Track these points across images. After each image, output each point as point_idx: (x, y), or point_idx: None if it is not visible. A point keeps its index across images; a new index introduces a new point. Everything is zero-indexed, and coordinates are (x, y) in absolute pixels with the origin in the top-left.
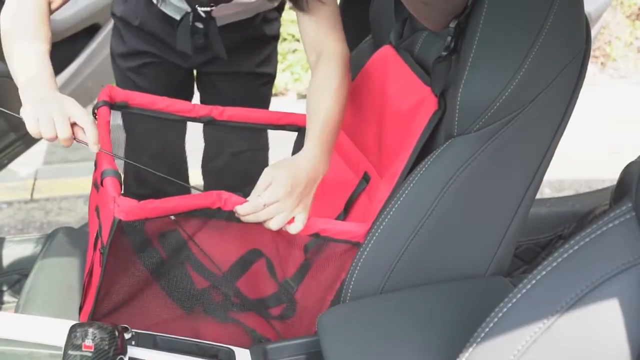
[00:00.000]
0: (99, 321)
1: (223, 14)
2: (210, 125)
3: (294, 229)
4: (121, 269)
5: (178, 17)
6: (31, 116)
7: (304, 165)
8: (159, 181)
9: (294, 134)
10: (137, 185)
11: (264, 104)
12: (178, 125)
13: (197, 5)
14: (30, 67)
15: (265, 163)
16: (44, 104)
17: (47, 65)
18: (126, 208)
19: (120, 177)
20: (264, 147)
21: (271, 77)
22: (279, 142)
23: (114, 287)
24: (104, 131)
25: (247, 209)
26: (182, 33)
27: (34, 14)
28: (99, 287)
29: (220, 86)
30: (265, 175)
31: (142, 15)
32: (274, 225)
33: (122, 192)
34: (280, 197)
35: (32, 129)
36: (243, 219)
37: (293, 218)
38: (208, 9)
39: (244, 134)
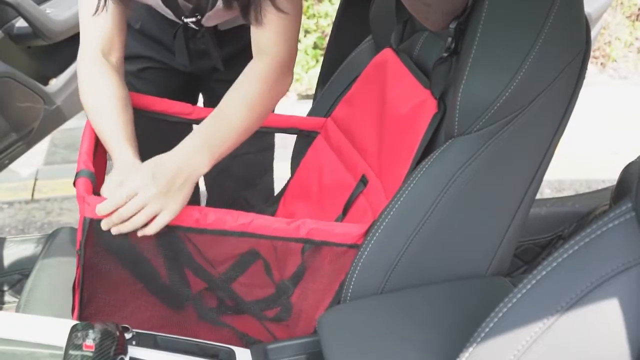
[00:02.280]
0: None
1: (217, 22)
2: None
3: (150, 229)
4: (104, 270)
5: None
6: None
7: (174, 158)
8: None
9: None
10: None
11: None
12: (178, 127)
13: (182, 17)
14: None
15: (269, 165)
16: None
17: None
18: (95, 206)
19: (94, 179)
20: (268, 149)
21: None
22: (280, 143)
23: (98, 289)
24: (93, 131)
25: (108, 206)
26: (178, 43)
27: (112, 108)
28: (81, 288)
29: (223, 94)
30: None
31: (143, 18)
32: (136, 222)
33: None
34: (139, 188)
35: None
36: (106, 222)
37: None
38: (193, 19)
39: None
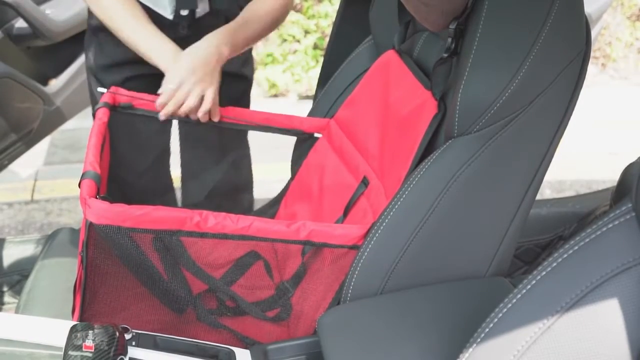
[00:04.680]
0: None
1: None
2: (201, 125)
3: (205, 106)
4: (106, 272)
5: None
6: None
7: (206, 50)
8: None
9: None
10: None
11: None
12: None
13: (180, 10)
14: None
15: (248, 165)
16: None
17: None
18: (97, 210)
19: (99, 180)
20: (247, 147)
21: (251, 83)
22: (279, 143)
23: (100, 291)
24: (100, 132)
25: (163, 99)
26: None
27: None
28: (83, 290)
29: None
30: (170, 66)
31: None
32: (190, 102)
33: (103, 194)
34: (184, 77)
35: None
36: (164, 112)
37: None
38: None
39: (232, 135)
